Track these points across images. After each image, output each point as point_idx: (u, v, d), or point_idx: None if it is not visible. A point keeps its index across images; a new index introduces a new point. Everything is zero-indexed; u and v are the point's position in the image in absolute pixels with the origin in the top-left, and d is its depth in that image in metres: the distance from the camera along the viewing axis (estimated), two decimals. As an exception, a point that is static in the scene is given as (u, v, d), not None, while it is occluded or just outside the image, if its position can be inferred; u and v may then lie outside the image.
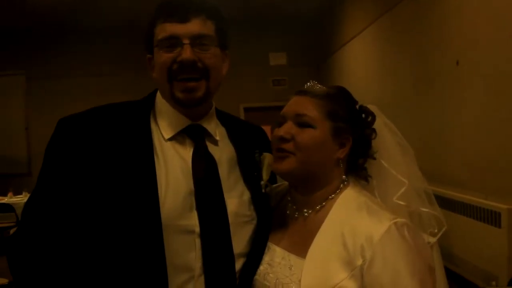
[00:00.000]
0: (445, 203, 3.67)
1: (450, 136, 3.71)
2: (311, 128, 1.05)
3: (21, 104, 7.92)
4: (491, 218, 3.08)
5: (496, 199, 3.10)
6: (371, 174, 1.13)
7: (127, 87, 7.42)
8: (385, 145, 1.14)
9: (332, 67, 7.47)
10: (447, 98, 3.72)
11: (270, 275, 1.05)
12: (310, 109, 1.06)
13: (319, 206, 1.08)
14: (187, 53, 1.00)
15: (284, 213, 1.15)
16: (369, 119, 1.13)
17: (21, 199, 5.79)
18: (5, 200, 5.82)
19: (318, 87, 1.11)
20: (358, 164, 1.12)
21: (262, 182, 1.14)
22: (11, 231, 3.92)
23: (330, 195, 1.08)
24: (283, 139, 1.05)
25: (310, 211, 1.08)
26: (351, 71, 6.52)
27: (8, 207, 5.58)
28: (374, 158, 1.12)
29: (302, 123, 1.06)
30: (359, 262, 0.95)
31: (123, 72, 7.54)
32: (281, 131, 1.06)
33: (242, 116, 8.02)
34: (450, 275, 3.38)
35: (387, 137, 1.14)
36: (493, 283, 3.04)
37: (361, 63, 6.01)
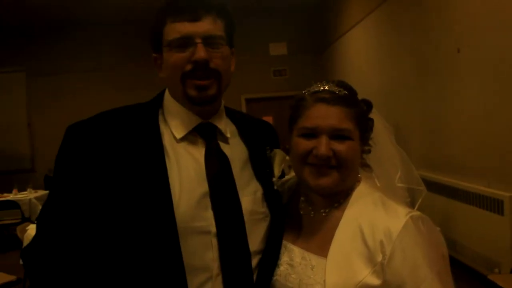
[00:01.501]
0: (447, 191, 3.68)
1: (452, 123, 3.70)
2: (350, 140, 1.03)
3: (23, 101, 7.93)
4: (494, 205, 3.09)
5: (499, 186, 3.10)
6: (369, 162, 1.13)
7: (128, 81, 7.43)
8: (376, 131, 1.14)
9: (333, 55, 7.44)
10: (448, 85, 3.71)
11: (292, 276, 1.05)
12: (346, 121, 1.03)
13: (336, 204, 1.08)
14: (201, 53, 0.99)
15: (298, 211, 1.14)
16: (368, 108, 1.13)
17: (26, 195, 5.82)
18: (10, 197, 5.85)
19: (337, 90, 1.06)
20: (362, 155, 1.12)
21: (274, 179, 1.14)
22: (17, 228, 3.94)
23: (348, 192, 1.08)
24: (328, 158, 1.02)
25: (327, 210, 1.08)
26: (352, 59, 6.50)
27: (14, 204, 5.62)
28: (371, 146, 1.13)
29: (341, 137, 1.03)
30: (379, 258, 0.96)
31: (123, 66, 7.54)
32: (323, 149, 1.01)
33: (243, 107, 8.02)
34: (453, 262, 3.39)
35: (377, 123, 1.14)
36: (496, 270, 3.05)
37: (362, 51, 5.98)
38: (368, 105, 1.12)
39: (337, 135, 1.03)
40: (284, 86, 7.73)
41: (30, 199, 5.68)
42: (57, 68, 7.72)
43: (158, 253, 0.95)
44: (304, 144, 1.04)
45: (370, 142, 1.12)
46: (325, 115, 1.03)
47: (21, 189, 6.08)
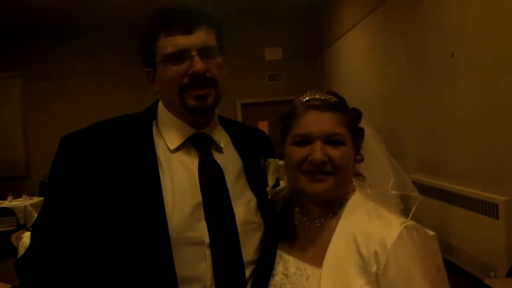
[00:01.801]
0: (443, 195, 3.68)
1: (448, 127, 3.72)
2: (344, 146, 1.04)
3: (18, 106, 7.91)
4: (489, 209, 3.10)
5: (494, 190, 3.11)
6: (361, 170, 1.14)
7: (123, 86, 7.43)
8: (367, 140, 1.15)
9: (328, 60, 7.47)
10: (443, 89, 3.73)
11: (287, 286, 1.05)
12: (338, 126, 1.04)
13: (331, 214, 1.08)
14: (198, 65, 1.00)
15: (292, 221, 1.14)
16: (358, 117, 1.14)
17: (21, 202, 5.78)
18: (5, 204, 5.82)
19: (327, 97, 1.07)
20: (354, 165, 1.13)
21: (268, 188, 1.14)
22: (12, 236, 3.92)
23: (342, 201, 1.09)
24: (323, 163, 1.02)
25: (322, 220, 1.09)
26: (347, 63, 6.53)
27: (8, 211, 5.58)
28: (362, 155, 1.14)
29: (335, 142, 1.03)
30: (374, 268, 0.97)
31: (119, 72, 7.53)
32: (318, 155, 1.02)
33: (239, 112, 8.02)
34: (449, 266, 3.40)
35: (366, 131, 1.15)
36: (492, 273, 3.06)
37: (357, 55, 6.01)
38: (357, 114, 1.13)
39: (331, 140, 1.03)
40: (280, 90, 7.74)
41: (25, 206, 5.65)
42: (53, 73, 7.70)
43: (150, 264, 0.95)
44: (298, 152, 1.05)
45: (362, 151, 1.12)
46: (318, 121, 1.04)
47: (16, 196, 6.04)
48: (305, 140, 1.04)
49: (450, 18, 3.53)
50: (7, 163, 7.62)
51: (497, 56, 2.99)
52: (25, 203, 5.72)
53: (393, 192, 1.16)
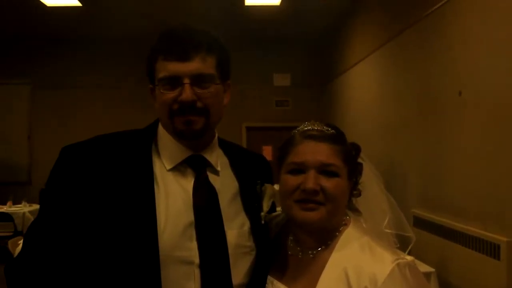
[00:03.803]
0: (444, 231, 3.65)
1: (451, 164, 3.71)
2: (337, 177, 1.04)
3: (25, 113, 7.97)
4: (490, 250, 3.06)
5: (496, 230, 3.08)
6: (358, 205, 1.14)
7: (131, 98, 7.48)
8: (365, 176, 1.16)
9: (335, 90, 7.52)
10: (449, 128, 3.74)
11: None
12: (333, 157, 1.05)
13: (323, 246, 1.08)
14: (187, 94, 1.01)
15: (286, 250, 1.14)
16: (357, 152, 1.15)
17: (20, 208, 5.78)
18: (4, 209, 5.81)
19: (325, 129, 1.09)
20: (350, 199, 1.14)
21: (262, 214, 1.14)
22: (9, 242, 3.90)
23: (335, 233, 1.09)
24: (314, 192, 1.03)
25: (314, 252, 1.09)
26: (354, 95, 6.57)
27: (7, 216, 5.56)
28: (360, 190, 1.14)
29: (329, 172, 1.04)
30: None
31: (127, 83, 7.58)
32: (310, 184, 1.02)
33: (244, 135, 8.04)
34: (448, 305, 3.34)
35: (365, 167, 1.16)
36: (491, 315, 3.00)
37: (364, 88, 6.05)
38: (356, 149, 1.14)
39: (325, 170, 1.04)
40: (286, 117, 7.78)
41: (24, 213, 5.64)
42: (62, 82, 7.78)
43: (137, 280, 0.96)
44: (292, 180, 1.06)
45: (359, 186, 1.13)
46: (313, 151, 1.06)
47: (16, 201, 6.04)
48: (300, 169, 1.06)
49: (459, 57, 3.57)
50: (10, 168, 7.64)
51: (505, 99, 3.01)
52: (24, 210, 5.71)
53: (388, 230, 1.15)
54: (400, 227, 1.20)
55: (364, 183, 1.14)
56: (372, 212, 1.17)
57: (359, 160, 1.14)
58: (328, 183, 1.03)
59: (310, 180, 1.03)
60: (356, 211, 1.15)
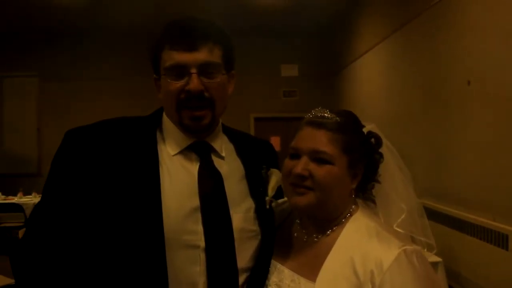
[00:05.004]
0: (452, 221, 3.64)
1: (459, 154, 3.69)
2: (329, 165, 1.04)
3: (34, 105, 8.02)
4: (499, 240, 3.05)
5: (504, 221, 3.07)
6: (375, 198, 1.14)
7: (139, 90, 7.46)
8: (387, 169, 1.15)
9: (343, 80, 7.48)
10: (456, 117, 3.71)
11: None
12: (327, 145, 1.04)
13: (329, 231, 1.08)
14: (194, 83, 1.00)
15: (291, 234, 1.15)
16: (377, 143, 1.13)
17: (31, 199, 5.84)
18: (15, 200, 5.88)
19: (330, 116, 1.08)
20: (366, 188, 1.13)
21: (267, 198, 1.14)
22: (19, 232, 3.95)
23: (341, 220, 1.09)
24: (302, 177, 1.03)
25: (320, 236, 1.09)
26: (362, 85, 6.53)
27: (18, 207, 5.63)
28: (380, 182, 1.13)
29: (320, 160, 1.04)
30: None
31: (135, 75, 7.54)
32: (299, 169, 1.03)
33: (252, 125, 8.04)
34: (455, 295, 3.34)
35: (389, 160, 1.15)
36: (499, 305, 3.00)
37: (372, 78, 6.01)
38: (376, 139, 1.13)
39: (316, 158, 1.04)
40: (294, 107, 7.75)
41: (34, 204, 5.70)
42: (70, 74, 7.79)
43: (142, 263, 0.96)
44: (288, 164, 1.08)
45: (380, 178, 1.12)
46: (308, 137, 1.07)
47: (26, 192, 6.11)
48: (296, 154, 1.07)
49: (468, 46, 3.53)
50: (20, 160, 7.72)
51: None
52: (34, 200, 5.78)
53: (399, 229, 1.14)
54: (414, 229, 1.17)
55: (384, 174, 1.13)
56: (388, 206, 1.15)
57: (387, 155, 1.12)
58: (317, 170, 1.03)
59: (300, 165, 1.04)
60: (372, 202, 1.14)
